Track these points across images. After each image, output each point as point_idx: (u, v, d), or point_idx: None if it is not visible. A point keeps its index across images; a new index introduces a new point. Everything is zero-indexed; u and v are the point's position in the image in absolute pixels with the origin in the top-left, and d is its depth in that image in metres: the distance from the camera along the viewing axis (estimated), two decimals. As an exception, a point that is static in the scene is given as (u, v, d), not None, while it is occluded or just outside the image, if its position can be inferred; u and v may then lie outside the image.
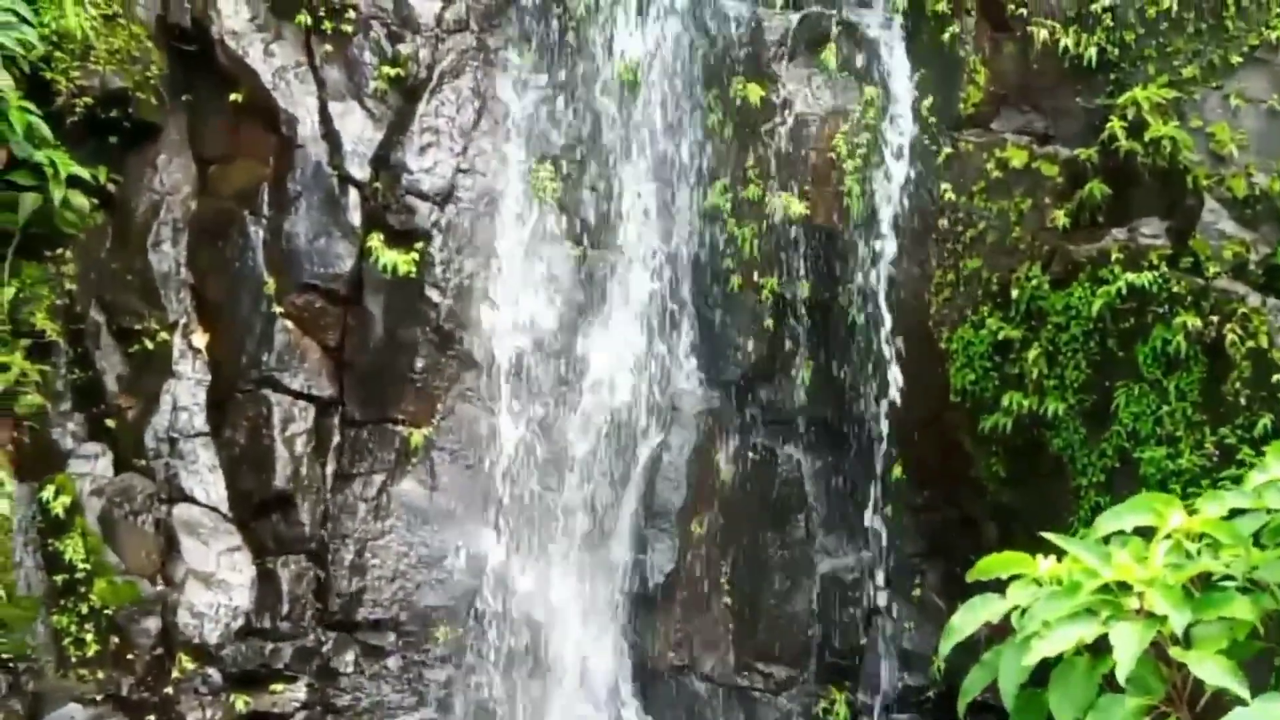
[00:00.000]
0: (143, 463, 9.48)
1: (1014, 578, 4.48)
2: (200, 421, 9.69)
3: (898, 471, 10.00)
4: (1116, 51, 9.41)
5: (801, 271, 10.04)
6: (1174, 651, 3.99)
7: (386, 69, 10.26)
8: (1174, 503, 4.36)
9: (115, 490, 9.30)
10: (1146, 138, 9.09)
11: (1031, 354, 9.27)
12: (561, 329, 10.23)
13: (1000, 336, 9.45)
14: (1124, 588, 4.11)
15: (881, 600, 10.09)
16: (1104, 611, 4.05)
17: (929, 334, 9.78)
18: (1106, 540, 4.49)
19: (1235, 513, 4.38)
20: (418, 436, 9.86)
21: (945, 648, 4.41)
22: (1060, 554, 4.43)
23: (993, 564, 4.46)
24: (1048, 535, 4.43)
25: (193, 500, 9.53)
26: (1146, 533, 4.47)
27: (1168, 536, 4.31)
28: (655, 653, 10.00)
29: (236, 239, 9.94)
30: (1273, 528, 4.41)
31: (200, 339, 9.82)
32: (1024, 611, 4.25)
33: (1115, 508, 4.50)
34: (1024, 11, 9.59)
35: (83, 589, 8.89)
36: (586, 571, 10.03)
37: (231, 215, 10.02)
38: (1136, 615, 4.02)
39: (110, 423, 9.52)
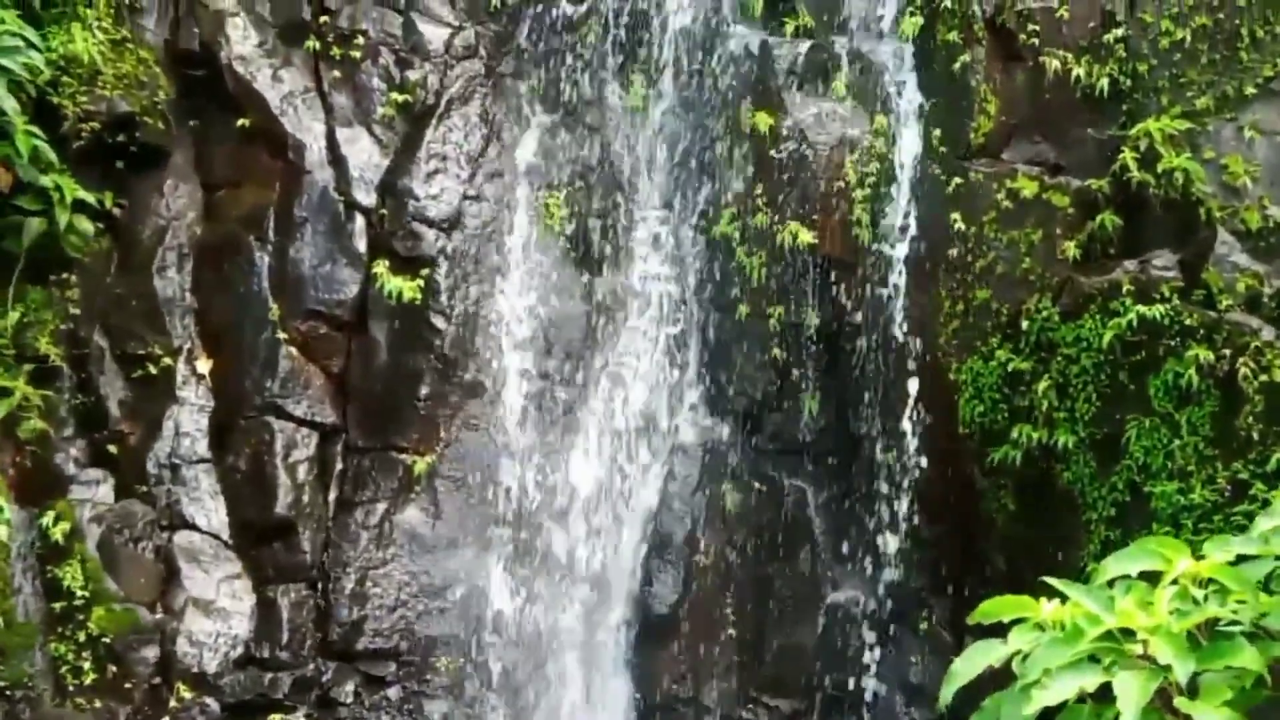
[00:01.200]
0: (144, 489, 9.43)
1: (1017, 621, 4.38)
2: (202, 448, 9.64)
3: (905, 503, 9.88)
4: (1129, 82, 9.34)
5: (810, 301, 9.96)
6: (1179, 701, 3.88)
7: (395, 95, 10.24)
8: (1180, 548, 4.25)
9: (115, 517, 9.25)
10: (1159, 169, 9.01)
11: (1041, 386, 9.18)
12: (567, 357, 10.17)
13: (1010, 368, 9.35)
14: (1128, 634, 4.00)
15: (888, 633, 9.96)
16: (1107, 659, 3.94)
17: (938, 364, 9.69)
18: (1111, 584, 4.39)
19: (1242, 558, 4.27)
20: (421, 464, 9.80)
21: (947, 694, 4.31)
22: (1065, 596, 4.32)
23: (995, 607, 4.35)
24: (1050, 580, 4.33)
25: (194, 527, 9.47)
26: (1154, 577, 4.36)
27: (1174, 582, 4.20)
28: (659, 684, 9.90)
29: (242, 264, 9.91)
30: (1282, 573, 4.29)
31: (204, 364, 9.79)
32: (1025, 657, 4.14)
33: (1120, 552, 4.39)
34: (1036, 41, 9.52)
35: (81, 616, 8.83)
36: (590, 601, 9.94)
37: (237, 240, 9.99)
38: (1140, 663, 3.92)
39: (112, 448, 9.48)
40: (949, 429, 9.65)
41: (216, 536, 9.51)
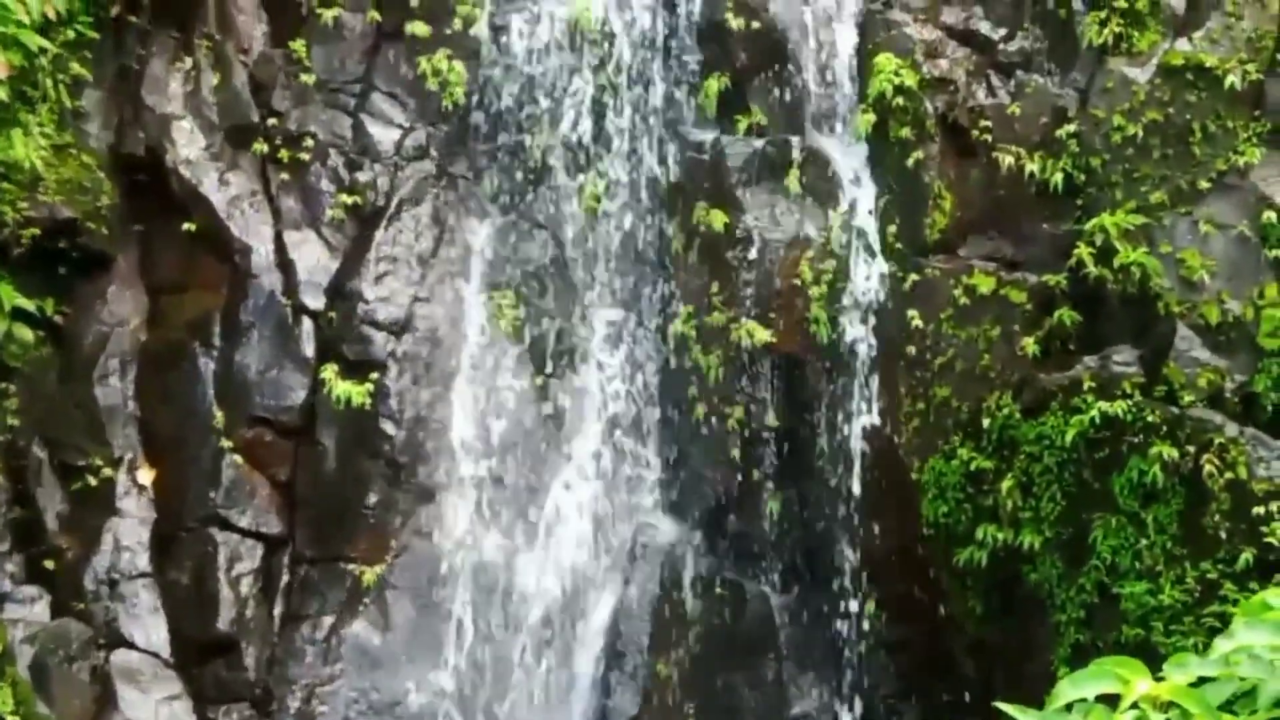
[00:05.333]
0: (81, 606, 9.12)
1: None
2: (143, 562, 9.34)
3: (871, 607, 9.64)
4: (1083, 177, 9.30)
5: (768, 400, 9.79)
6: (1141, 838, 3.64)
7: (344, 197, 10.11)
8: (1139, 668, 4.03)
9: (50, 636, 8.91)
10: (1115, 264, 8.94)
11: (1005, 485, 9.00)
12: (521, 461, 9.93)
13: (972, 467, 9.18)
14: (1085, 766, 3.77)
15: (857, 744, 9.66)
16: (1065, 793, 3.70)
17: (900, 464, 9.51)
18: (1070, 708, 4.17)
19: (1203, 680, 4.06)
20: (370, 575, 9.50)
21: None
22: None
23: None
24: (1002, 706, 4.10)
25: (132, 645, 9.14)
26: (1113, 699, 4.15)
27: (1133, 705, 3.97)
28: (620, 801, 9.53)
29: (186, 371, 9.71)
30: (1244, 693, 4.07)
31: (146, 475, 9.53)
32: (979, 791, 3.90)
33: (1077, 673, 4.15)
34: (988, 138, 9.50)
35: (8, 743, 8.46)
36: (547, 716, 9.59)
37: (182, 346, 9.79)
38: (1100, 797, 3.68)
39: (49, 564, 9.19)
40: (913, 529, 9.45)
41: (156, 655, 9.17)
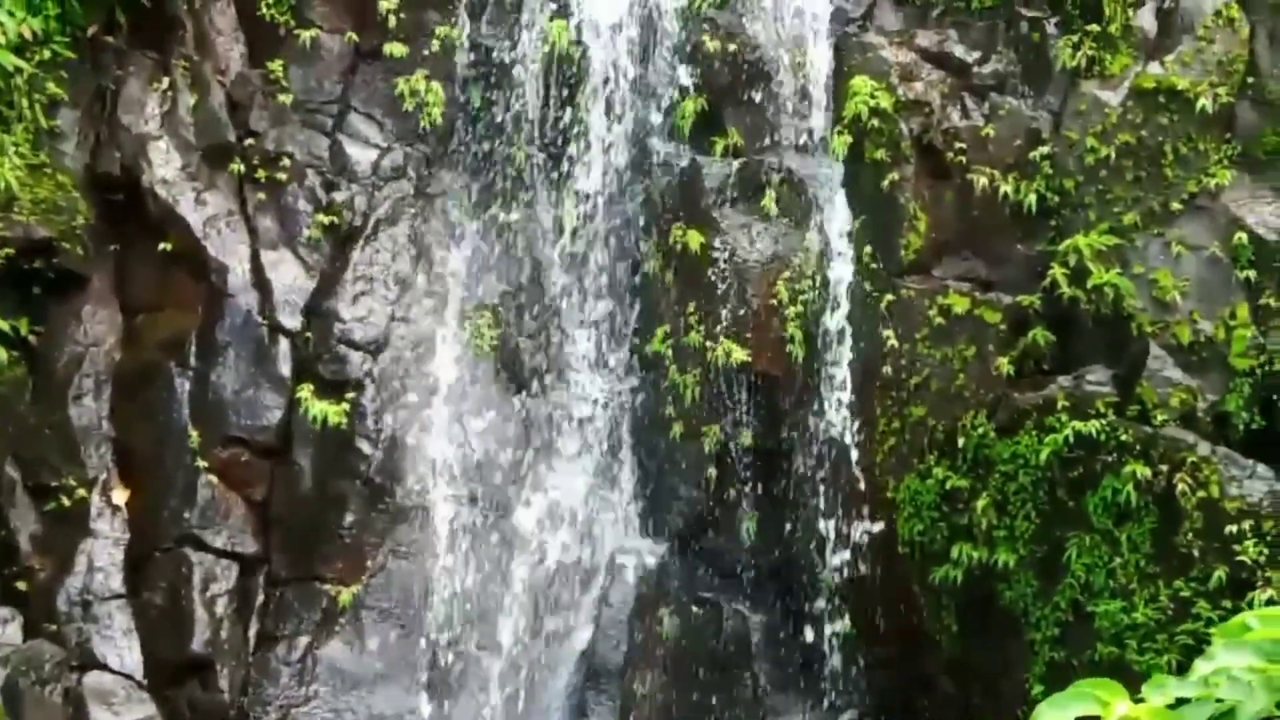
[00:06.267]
0: (53, 627, 9.06)
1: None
2: (117, 583, 9.28)
3: (847, 626, 9.66)
4: (1056, 198, 9.38)
5: (744, 419, 9.82)
6: None
7: (320, 217, 10.11)
8: (1117, 690, 4.06)
9: (21, 659, 8.83)
10: (1089, 284, 9.02)
11: (980, 504, 9.04)
12: (498, 481, 9.93)
13: (948, 486, 9.22)
14: (1065, 788, 3.79)
15: (833, 763, 9.68)
16: (1044, 815, 3.72)
17: (875, 483, 9.55)
18: (1049, 729, 4.19)
19: (1181, 701, 4.09)
20: (346, 595, 9.47)
21: None
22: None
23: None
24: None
25: (105, 667, 9.07)
26: (1091, 720, 4.18)
27: (1112, 728, 4.00)
28: (597, 822, 9.51)
29: (161, 391, 9.66)
30: (1222, 714, 4.11)
31: (120, 495, 9.47)
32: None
33: (1055, 696, 4.18)
34: (963, 159, 9.57)
35: (-21, 768, 8.39)
36: (524, 736, 9.58)
37: (157, 366, 9.75)
38: (1080, 819, 3.71)
39: (21, 585, 9.13)
40: (889, 548, 9.48)
41: (129, 677, 9.10)
